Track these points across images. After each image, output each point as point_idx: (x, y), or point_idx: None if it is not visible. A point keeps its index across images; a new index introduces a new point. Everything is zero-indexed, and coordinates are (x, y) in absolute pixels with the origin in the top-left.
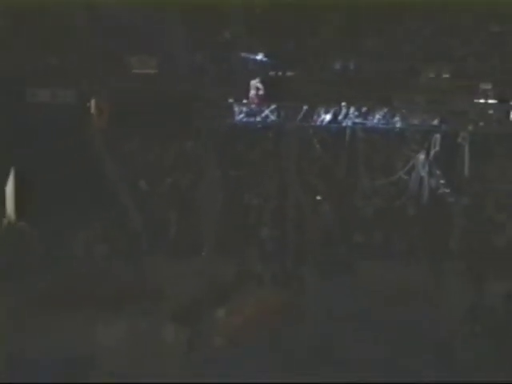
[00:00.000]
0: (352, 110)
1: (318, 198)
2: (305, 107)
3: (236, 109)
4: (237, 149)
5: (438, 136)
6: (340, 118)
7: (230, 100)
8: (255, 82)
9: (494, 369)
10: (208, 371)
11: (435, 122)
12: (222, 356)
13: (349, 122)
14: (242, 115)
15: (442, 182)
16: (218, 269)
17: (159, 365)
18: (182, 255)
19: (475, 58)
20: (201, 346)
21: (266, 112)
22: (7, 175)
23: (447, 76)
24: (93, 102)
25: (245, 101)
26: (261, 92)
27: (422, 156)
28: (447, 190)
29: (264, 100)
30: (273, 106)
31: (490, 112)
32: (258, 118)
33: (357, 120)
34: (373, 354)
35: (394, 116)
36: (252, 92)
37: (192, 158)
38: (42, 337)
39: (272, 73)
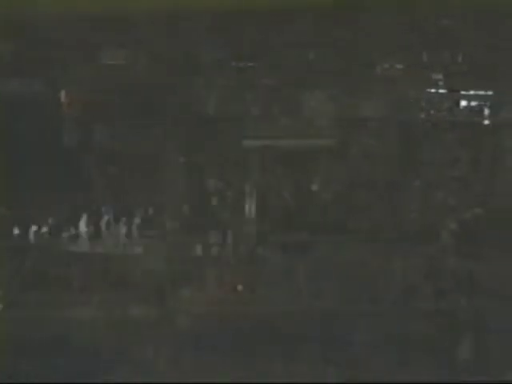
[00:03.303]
0: None
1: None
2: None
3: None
4: (200, 137)
5: (391, 123)
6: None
7: (196, 89)
8: None
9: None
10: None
11: (389, 110)
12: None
13: None
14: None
15: (396, 167)
16: (182, 251)
17: (128, 341)
18: (148, 238)
19: (427, 50)
20: (167, 322)
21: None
22: None
23: (401, 67)
24: (63, 93)
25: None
26: None
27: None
28: (401, 175)
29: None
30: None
31: (441, 101)
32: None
33: None
34: (335, 330)
35: None
36: None
37: (157, 145)
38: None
39: (234, 63)
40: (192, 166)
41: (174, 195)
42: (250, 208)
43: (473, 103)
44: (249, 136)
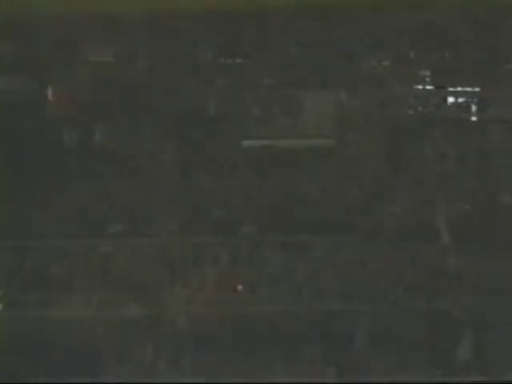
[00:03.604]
0: None
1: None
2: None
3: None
4: (192, 134)
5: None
6: None
7: (188, 87)
8: None
9: None
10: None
11: (376, 107)
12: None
13: None
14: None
15: (383, 163)
16: (181, 251)
17: (127, 341)
18: (147, 238)
19: (414, 47)
20: (163, 322)
21: None
22: None
23: (388, 63)
24: (50, 90)
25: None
26: None
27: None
28: (388, 172)
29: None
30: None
31: (428, 97)
32: None
33: None
34: (328, 329)
35: None
36: None
37: (151, 144)
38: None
39: (222, 60)
40: (191, 166)
41: (172, 195)
42: (250, 208)
43: (460, 99)
44: (249, 136)
